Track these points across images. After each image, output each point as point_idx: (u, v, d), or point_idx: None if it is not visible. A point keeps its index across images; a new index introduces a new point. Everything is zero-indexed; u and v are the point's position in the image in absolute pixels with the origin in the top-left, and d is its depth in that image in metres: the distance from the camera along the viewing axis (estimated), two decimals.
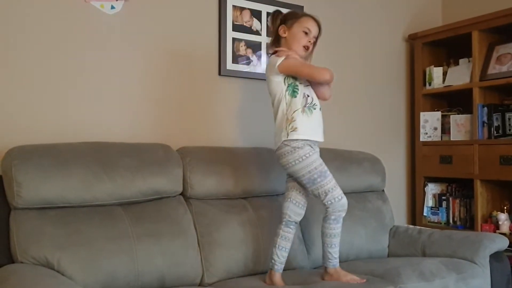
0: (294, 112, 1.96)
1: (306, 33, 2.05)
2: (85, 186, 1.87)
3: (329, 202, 1.95)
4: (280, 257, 1.99)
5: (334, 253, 2.01)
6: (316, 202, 2.47)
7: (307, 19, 2.08)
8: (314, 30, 2.07)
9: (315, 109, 2.00)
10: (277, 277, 1.97)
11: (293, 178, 2.01)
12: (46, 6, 2.13)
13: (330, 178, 1.97)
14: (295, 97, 1.98)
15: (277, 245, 2.00)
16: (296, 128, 1.94)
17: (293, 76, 2.00)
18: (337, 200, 1.95)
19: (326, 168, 1.97)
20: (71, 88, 2.19)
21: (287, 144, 1.94)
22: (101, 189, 1.91)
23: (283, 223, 2.02)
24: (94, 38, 2.23)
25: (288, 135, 1.94)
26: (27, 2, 2.09)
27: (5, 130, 2.04)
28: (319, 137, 2.01)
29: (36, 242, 1.73)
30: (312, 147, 1.97)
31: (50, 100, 2.14)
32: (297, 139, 1.93)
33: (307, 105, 1.98)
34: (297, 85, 2.00)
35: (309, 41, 2.06)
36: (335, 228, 1.99)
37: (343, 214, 1.99)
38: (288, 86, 1.99)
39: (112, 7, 2.24)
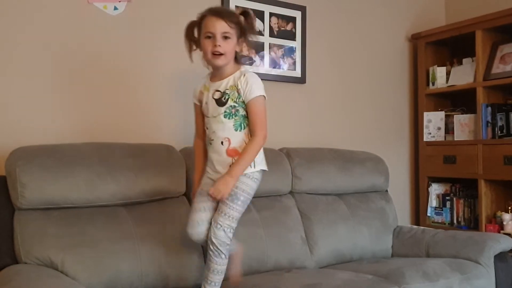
0: None
1: (209, 37, 1.71)
2: (89, 187, 1.87)
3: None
4: None
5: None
6: (318, 203, 2.47)
7: (205, 20, 1.72)
8: (218, 27, 1.69)
9: (210, 144, 1.78)
10: None
11: None
12: (48, 6, 2.14)
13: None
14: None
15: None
16: None
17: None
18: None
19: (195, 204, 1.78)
20: (75, 88, 2.20)
21: None
22: (104, 190, 1.91)
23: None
24: (97, 39, 2.23)
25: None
26: (31, 3, 2.10)
27: (9, 131, 2.05)
28: (211, 174, 1.79)
29: (40, 242, 1.74)
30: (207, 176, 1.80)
31: (54, 101, 2.15)
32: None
33: (206, 139, 1.83)
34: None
35: (216, 45, 1.69)
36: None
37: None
38: None
39: (115, 8, 2.25)
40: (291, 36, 2.82)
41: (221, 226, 1.71)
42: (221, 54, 1.71)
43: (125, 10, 2.28)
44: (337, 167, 2.56)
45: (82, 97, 2.21)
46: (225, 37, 1.70)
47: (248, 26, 1.77)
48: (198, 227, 1.75)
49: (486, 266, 2.21)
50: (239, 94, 1.74)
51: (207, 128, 1.81)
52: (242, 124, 1.76)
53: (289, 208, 2.36)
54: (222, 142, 1.75)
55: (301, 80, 2.86)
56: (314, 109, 2.94)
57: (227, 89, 1.75)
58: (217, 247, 1.70)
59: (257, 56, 2.70)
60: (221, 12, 1.73)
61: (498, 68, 2.88)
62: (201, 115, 1.85)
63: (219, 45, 1.69)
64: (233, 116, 1.75)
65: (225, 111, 1.74)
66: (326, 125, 2.98)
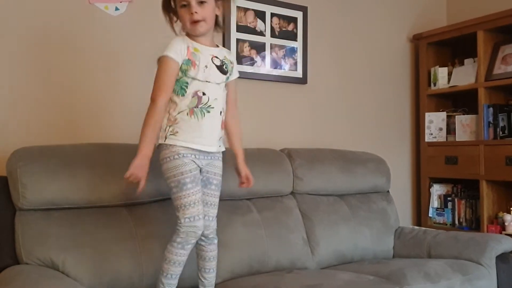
0: (178, 113, 1.65)
1: (184, 6, 1.63)
2: (90, 187, 1.87)
3: (178, 221, 1.63)
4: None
5: (168, 285, 1.67)
6: (320, 203, 2.47)
7: None
8: None
9: (207, 112, 1.65)
10: None
11: None
12: (49, 6, 2.14)
13: (186, 193, 1.62)
14: (183, 95, 1.66)
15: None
16: (176, 132, 1.65)
17: (186, 69, 1.65)
18: (187, 221, 1.62)
19: (188, 180, 1.62)
20: (78, 89, 2.20)
21: (162, 149, 1.66)
22: (106, 190, 1.91)
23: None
24: (99, 39, 2.23)
25: (166, 138, 1.65)
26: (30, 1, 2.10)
27: (10, 131, 2.05)
28: (204, 146, 1.66)
29: (41, 243, 1.74)
30: (195, 156, 1.66)
31: (56, 101, 2.15)
32: (173, 145, 1.64)
33: (200, 106, 1.65)
34: (186, 81, 1.65)
35: (193, 12, 1.61)
36: (178, 253, 1.64)
37: (192, 241, 1.65)
38: (176, 82, 1.66)
39: (117, 9, 2.25)
40: (292, 36, 2.82)
41: (213, 217, 1.75)
42: (200, 21, 1.63)
43: (127, 11, 2.28)
44: (339, 167, 2.55)
45: (83, 97, 2.21)
46: (201, 2, 1.62)
47: None
48: (201, 220, 1.64)
49: (488, 267, 2.20)
50: (232, 68, 1.75)
51: (203, 94, 1.64)
52: (225, 99, 1.75)
53: (290, 209, 2.36)
54: (221, 112, 1.69)
55: (303, 80, 2.86)
56: (315, 109, 2.94)
57: (224, 59, 1.72)
58: (209, 237, 1.73)
59: (258, 57, 2.70)
60: None
61: (499, 68, 2.88)
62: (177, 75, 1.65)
63: (196, 12, 1.61)
64: (226, 89, 1.74)
65: (225, 80, 1.71)
66: (328, 126, 2.98)
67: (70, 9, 2.18)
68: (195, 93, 1.65)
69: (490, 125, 2.87)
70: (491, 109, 2.87)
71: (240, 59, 2.64)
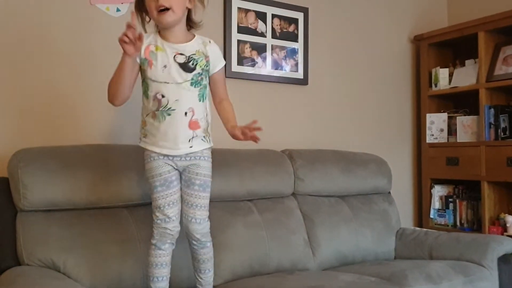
0: (146, 115, 1.64)
1: None
2: (91, 188, 1.87)
3: (153, 221, 1.66)
4: None
5: (153, 283, 1.66)
6: (321, 204, 2.47)
7: None
8: None
9: (167, 115, 1.59)
10: None
11: None
12: (51, 8, 2.14)
13: (156, 196, 1.63)
14: (147, 97, 1.63)
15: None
16: (146, 135, 1.65)
17: (144, 69, 1.61)
18: (159, 222, 1.64)
19: (158, 184, 1.63)
20: (78, 89, 2.20)
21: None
22: (107, 191, 1.91)
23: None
24: (100, 40, 2.23)
25: (140, 141, 1.68)
26: (31, 2, 2.10)
27: (11, 132, 2.05)
28: (169, 150, 1.62)
29: (42, 244, 1.74)
30: (168, 158, 1.64)
31: (58, 102, 2.15)
32: (145, 148, 1.66)
33: (160, 109, 1.60)
34: (147, 83, 1.61)
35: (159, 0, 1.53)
36: (156, 255, 1.65)
37: (168, 241, 1.65)
38: (142, 83, 1.64)
39: (118, 10, 2.25)
40: (293, 37, 2.82)
41: (200, 219, 1.67)
42: (167, 9, 1.54)
43: (128, 12, 2.28)
44: (340, 169, 2.55)
45: (83, 98, 2.21)
46: None
47: None
48: (174, 221, 1.65)
49: (490, 268, 2.20)
50: (207, 62, 1.63)
51: (162, 96, 1.58)
52: (204, 95, 1.65)
53: (291, 210, 2.36)
54: (186, 113, 1.60)
55: (304, 81, 2.86)
56: (316, 110, 2.93)
57: (193, 53, 1.61)
58: (200, 240, 1.69)
59: (259, 58, 2.70)
60: None
61: (501, 69, 2.87)
62: (136, 70, 1.61)
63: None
64: (198, 85, 1.62)
65: (192, 78, 1.60)
66: (329, 127, 2.98)
67: (72, 9, 2.18)
68: (155, 96, 1.60)
69: (491, 126, 2.86)
70: (492, 110, 2.86)
71: (241, 60, 2.64)
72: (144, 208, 2.00)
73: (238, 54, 2.63)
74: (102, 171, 1.91)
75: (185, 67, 1.60)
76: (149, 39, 1.62)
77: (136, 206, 2.00)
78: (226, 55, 2.58)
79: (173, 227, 1.65)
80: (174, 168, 1.67)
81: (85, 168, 1.88)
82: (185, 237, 1.72)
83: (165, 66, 1.59)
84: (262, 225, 2.20)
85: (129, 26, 1.47)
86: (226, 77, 2.53)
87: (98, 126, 2.23)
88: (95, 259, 1.77)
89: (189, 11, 1.65)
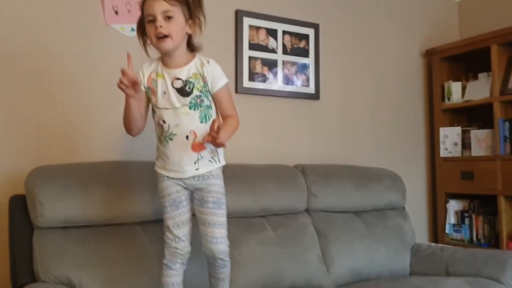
0: (157, 140, 1.71)
1: (151, 21, 1.58)
2: (106, 205, 1.89)
3: (164, 241, 1.69)
4: None
5: None
6: (335, 220, 2.45)
7: (145, 5, 1.60)
8: (156, 7, 1.55)
9: (170, 139, 1.63)
10: None
11: None
12: (68, 28, 2.19)
13: (166, 216, 1.68)
14: (154, 122, 1.70)
15: None
16: (157, 158, 1.72)
17: (149, 97, 1.67)
18: (169, 242, 1.67)
19: (167, 204, 1.68)
20: (93, 107, 2.23)
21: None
22: (121, 208, 1.92)
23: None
24: (116, 59, 2.27)
25: (155, 164, 1.74)
26: (50, 24, 2.15)
27: (28, 150, 2.08)
28: (175, 173, 1.65)
29: (58, 261, 1.75)
30: (172, 178, 1.67)
31: (73, 120, 2.19)
32: (156, 171, 1.72)
33: (164, 134, 1.65)
34: (153, 109, 1.69)
35: (157, 26, 1.55)
36: (167, 274, 1.67)
37: (179, 261, 1.67)
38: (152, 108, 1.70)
39: (132, 29, 2.29)
40: (304, 53, 2.84)
41: (220, 238, 1.66)
42: (166, 36, 1.56)
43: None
44: (354, 184, 2.54)
45: (98, 116, 2.24)
46: (168, 17, 1.56)
47: (195, 3, 1.62)
48: (184, 242, 1.67)
49: (508, 285, 2.16)
50: (205, 83, 1.63)
51: (163, 122, 1.63)
52: (207, 115, 1.65)
53: (305, 226, 2.34)
54: (187, 136, 1.62)
55: (315, 96, 2.87)
56: (328, 125, 2.93)
57: (190, 77, 1.62)
58: (222, 259, 1.68)
59: (270, 73, 2.72)
60: None
61: None
62: (143, 101, 1.67)
63: (161, 26, 1.55)
64: (198, 107, 1.63)
65: (190, 102, 1.61)
66: (341, 141, 2.97)
67: (88, 30, 2.23)
68: (158, 122, 1.66)
69: (507, 139, 2.83)
70: (507, 123, 2.83)
71: (252, 76, 2.66)
72: (157, 224, 2.00)
73: (250, 70, 2.65)
74: (117, 188, 1.93)
75: (182, 91, 1.62)
76: (152, 67, 1.67)
77: (149, 222, 2.01)
78: (237, 71, 2.61)
79: (183, 247, 1.67)
80: (184, 187, 1.69)
81: (101, 185, 1.90)
82: (197, 256, 1.71)
83: (164, 93, 1.63)
84: (276, 242, 2.19)
85: (123, 73, 1.53)
86: (237, 92, 2.60)
87: (113, 143, 2.26)
88: (110, 276, 1.78)
89: (189, 35, 1.66)
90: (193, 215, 1.73)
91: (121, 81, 1.53)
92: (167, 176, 1.68)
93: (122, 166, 2.03)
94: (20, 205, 1.85)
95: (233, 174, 2.25)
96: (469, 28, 3.39)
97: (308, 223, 2.37)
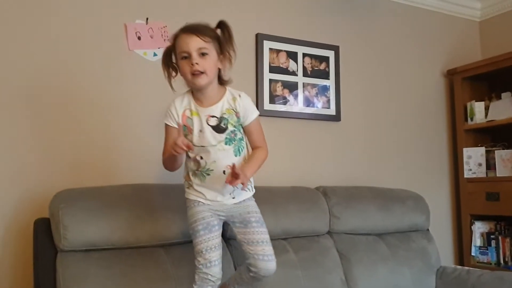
0: (189, 171, 1.72)
1: (185, 58, 1.60)
2: (129, 228, 1.90)
3: (195, 266, 1.66)
4: None
5: None
6: (358, 243, 2.41)
7: (178, 40, 1.61)
8: (192, 44, 1.57)
9: (207, 174, 1.66)
10: None
11: None
12: (94, 55, 2.25)
13: (199, 240, 1.65)
14: (189, 157, 1.70)
15: None
16: (190, 186, 1.72)
17: (185, 134, 1.66)
18: (201, 267, 1.63)
19: (200, 228, 1.66)
20: (116, 131, 2.27)
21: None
22: (144, 231, 1.93)
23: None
24: (138, 84, 2.32)
25: (185, 192, 1.75)
26: (73, 50, 2.21)
27: (52, 174, 2.12)
28: (211, 202, 1.69)
29: (81, 284, 1.76)
30: (204, 203, 1.69)
31: (96, 144, 2.23)
32: (188, 198, 1.73)
33: (200, 169, 1.67)
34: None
35: (193, 64, 1.57)
36: None
37: (208, 287, 1.64)
38: None
39: (155, 54, 2.34)
40: (324, 75, 2.85)
41: (271, 255, 1.68)
42: (201, 73, 1.58)
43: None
44: (377, 206, 2.51)
45: (121, 140, 2.28)
46: (202, 54, 1.58)
47: (226, 38, 1.63)
48: (215, 267, 1.65)
49: None
50: (238, 117, 1.66)
51: (200, 158, 1.65)
52: (240, 148, 1.68)
53: (327, 249, 2.31)
54: (224, 171, 1.64)
55: (336, 117, 2.86)
56: (350, 146, 2.92)
57: (224, 113, 1.65)
58: (270, 276, 1.70)
59: (291, 95, 2.73)
60: (194, 28, 1.59)
61: None
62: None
63: (197, 63, 1.56)
64: (233, 141, 1.66)
65: (226, 137, 1.65)
66: (363, 163, 2.95)
67: (112, 56, 2.28)
68: (195, 158, 1.67)
69: None
70: None
71: (273, 98, 2.67)
72: (179, 247, 2.01)
73: (270, 92, 2.67)
74: (140, 211, 1.94)
75: (218, 128, 1.65)
76: (184, 103, 1.68)
77: (171, 245, 2.01)
78: (258, 94, 2.63)
79: (215, 273, 1.64)
80: (219, 215, 1.72)
81: (123, 208, 1.92)
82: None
83: (200, 131, 1.65)
84: (298, 265, 2.17)
85: (178, 141, 1.55)
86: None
87: (136, 166, 2.29)
88: None
89: (219, 70, 1.68)
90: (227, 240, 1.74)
91: (180, 147, 1.54)
92: (202, 202, 1.70)
93: (144, 189, 2.05)
94: (44, 229, 1.87)
95: (254, 196, 2.25)
96: (491, 48, 3.36)
97: (330, 246, 2.34)
